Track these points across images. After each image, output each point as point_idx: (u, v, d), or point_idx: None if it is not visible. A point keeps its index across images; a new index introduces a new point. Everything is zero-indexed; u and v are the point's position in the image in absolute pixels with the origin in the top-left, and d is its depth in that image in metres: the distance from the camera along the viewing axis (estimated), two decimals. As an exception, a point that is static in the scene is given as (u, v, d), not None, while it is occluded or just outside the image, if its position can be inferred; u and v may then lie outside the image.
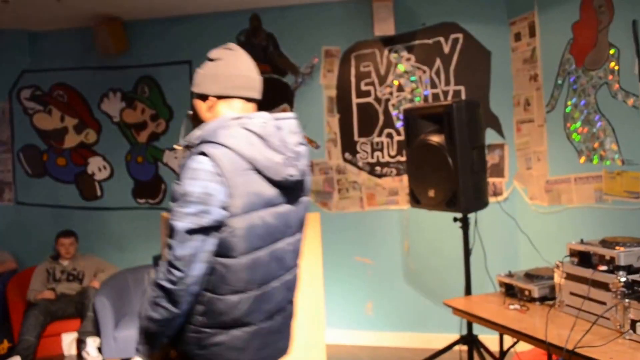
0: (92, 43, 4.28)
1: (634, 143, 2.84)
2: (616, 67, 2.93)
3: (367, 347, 4.01)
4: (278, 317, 1.60)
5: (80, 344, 3.77)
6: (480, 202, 2.90)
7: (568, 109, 3.33)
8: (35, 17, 4.16)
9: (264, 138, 1.49)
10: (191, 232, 1.39)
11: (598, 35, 3.09)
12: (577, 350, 1.92)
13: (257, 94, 1.63)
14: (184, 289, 1.40)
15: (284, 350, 1.67)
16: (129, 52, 4.33)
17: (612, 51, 2.97)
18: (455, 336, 3.04)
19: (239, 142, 1.46)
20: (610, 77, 2.99)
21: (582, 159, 3.24)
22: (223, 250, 1.45)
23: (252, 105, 1.62)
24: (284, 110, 4.14)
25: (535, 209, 3.64)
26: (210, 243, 1.42)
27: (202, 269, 1.42)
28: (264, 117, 1.53)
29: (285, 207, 1.57)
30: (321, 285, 3.32)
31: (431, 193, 2.89)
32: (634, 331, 1.96)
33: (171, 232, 1.41)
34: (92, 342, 3.71)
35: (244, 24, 4.19)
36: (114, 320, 3.64)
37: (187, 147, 1.55)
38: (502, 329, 2.40)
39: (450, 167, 2.78)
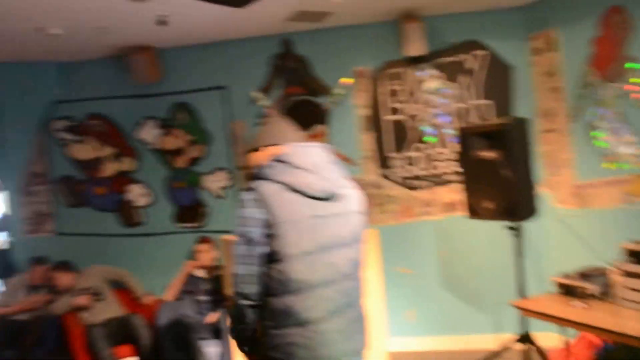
0: (124, 72, 4.38)
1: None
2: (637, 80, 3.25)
3: (414, 352, 4.21)
4: (338, 320, 1.82)
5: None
6: (533, 211, 3.15)
7: (591, 118, 3.63)
8: (66, 48, 4.24)
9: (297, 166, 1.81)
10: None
11: (618, 49, 3.40)
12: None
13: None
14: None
15: (353, 351, 1.88)
16: (163, 79, 4.44)
17: (632, 65, 3.29)
18: (490, 336, 3.68)
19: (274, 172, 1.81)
20: (631, 87, 3.31)
21: (608, 164, 3.54)
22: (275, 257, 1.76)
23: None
24: (318, 133, 4.33)
25: (565, 212, 3.91)
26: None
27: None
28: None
29: (331, 217, 1.83)
30: (383, 295, 3.51)
31: (487, 204, 3.13)
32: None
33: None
34: None
35: (276, 48, 4.37)
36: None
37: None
38: (576, 325, 2.65)
39: (506, 180, 3.02)
